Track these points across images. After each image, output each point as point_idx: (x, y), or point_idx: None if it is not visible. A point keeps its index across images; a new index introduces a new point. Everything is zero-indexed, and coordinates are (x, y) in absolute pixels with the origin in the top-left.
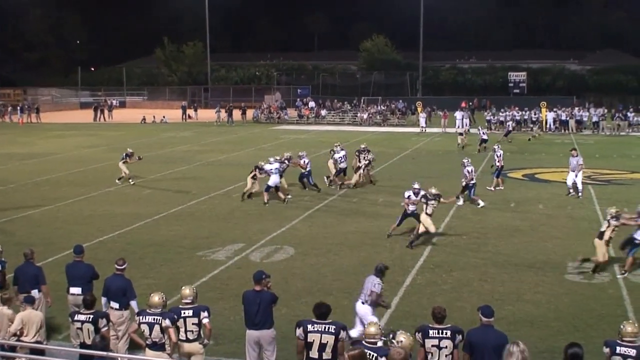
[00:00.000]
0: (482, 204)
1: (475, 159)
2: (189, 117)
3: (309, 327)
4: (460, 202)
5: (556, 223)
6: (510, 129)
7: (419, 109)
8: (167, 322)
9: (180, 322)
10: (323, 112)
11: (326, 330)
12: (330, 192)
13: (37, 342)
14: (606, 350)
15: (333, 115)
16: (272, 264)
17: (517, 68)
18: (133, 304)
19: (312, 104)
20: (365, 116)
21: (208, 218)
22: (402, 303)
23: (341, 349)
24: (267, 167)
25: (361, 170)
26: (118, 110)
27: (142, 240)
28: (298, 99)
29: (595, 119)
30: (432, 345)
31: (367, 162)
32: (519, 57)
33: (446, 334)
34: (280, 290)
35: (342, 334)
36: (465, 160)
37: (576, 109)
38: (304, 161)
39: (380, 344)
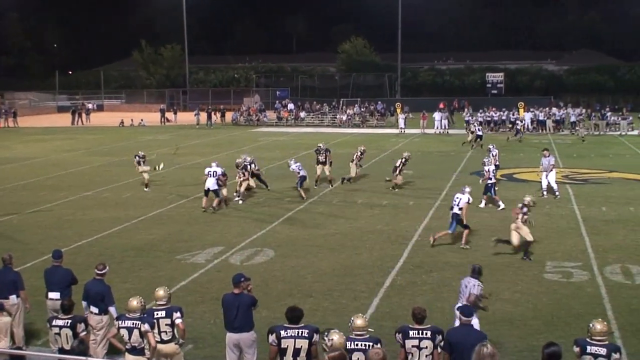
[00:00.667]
0: (502, 205)
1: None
2: (168, 120)
3: (282, 332)
4: (482, 204)
5: (534, 222)
6: (480, 133)
7: (398, 110)
8: (146, 327)
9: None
10: (302, 114)
11: (299, 335)
12: (310, 194)
13: (17, 348)
14: (576, 349)
15: (312, 117)
16: (252, 266)
17: (494, 69)
18: (112, 309)
19: (291, 106)
20: (344, 118)
21: (187, 221)
22: (382, 304)
23: (314, 353)
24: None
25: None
26: (96, 113)
27: (121, 245)
28: (277, 101)
29: (573, 119)
30: (413, 346)
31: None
32: (496, 58)
33: (426, 334)
34: (261, 293)
35: (316, 337)
36: (486, 160)
37: (554, 109)
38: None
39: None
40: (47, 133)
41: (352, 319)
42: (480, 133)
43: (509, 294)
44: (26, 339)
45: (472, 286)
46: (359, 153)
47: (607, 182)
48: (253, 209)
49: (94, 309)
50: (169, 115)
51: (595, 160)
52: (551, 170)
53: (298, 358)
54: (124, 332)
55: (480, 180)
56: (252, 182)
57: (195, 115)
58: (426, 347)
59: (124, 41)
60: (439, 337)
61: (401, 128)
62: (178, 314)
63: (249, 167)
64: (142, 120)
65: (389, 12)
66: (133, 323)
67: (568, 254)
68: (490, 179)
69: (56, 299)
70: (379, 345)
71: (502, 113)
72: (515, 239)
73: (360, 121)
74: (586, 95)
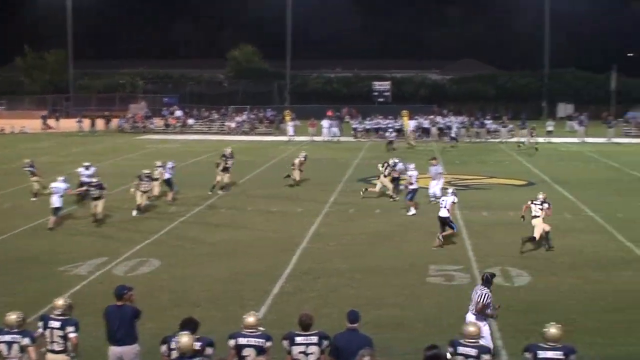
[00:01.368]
0: (412, 211)
1: (343, 168)
2: (49, 127)
3: (172, 344)
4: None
5: (420, 228)
6: (393, 138)
7: (287, 118)
8: (26, 341)
9: (48, 332)
10: (190, 121)
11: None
12: (197, 203)
13: None
14: (450, 349)
15: (201, 124)
16: (137, 277)
17: (381, 77)
18: None
19: (178, 112)
20: (233, 125)
21: (70, 232)
22: (270, 312)
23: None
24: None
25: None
26: None
27: (0, 257)
28: (164, 108)
29: (455, 127)
30: (299, 352)
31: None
32: (383, 66)
33: (312, 340)
34: (146, 304)
35: (209, 350)
36: (406, 165)
37: (439, 117)
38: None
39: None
40: None
41: (244, 316)
42: (454, 135)
43: (394, 298)
44: None
45: (481, 294)
46: (302, 159)
47: (488, 187)
48: (139, 218)
49: None
50: (51, 122)
51: (476, 167)
52: (440, 178)
53: None
54: (2, 346)
55: (403, 187)
56: (156, 190)
57: (77, 122)
58: (313, 353)
59: (6, 46)
60: (325, 342)
61: (290, 135)
62: (72, 328)
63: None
64: (23, 127)
65: (279, 19)
66: (12, 337)
67: (450, 258)
68: (412, 184)
69: None
70: (269, 343)
71: (388, 121)
72: (537, 232)
73: (249, 128)
74: (469, 104)
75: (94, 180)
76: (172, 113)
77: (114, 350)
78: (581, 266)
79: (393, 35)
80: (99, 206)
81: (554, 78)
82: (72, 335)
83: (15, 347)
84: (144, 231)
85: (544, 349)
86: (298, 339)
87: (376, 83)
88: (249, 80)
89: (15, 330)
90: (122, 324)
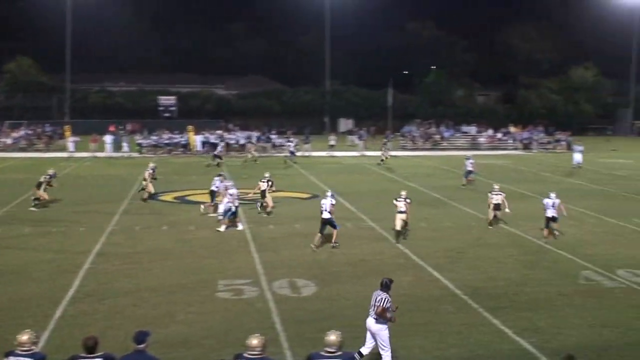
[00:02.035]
0: (240, 227)
1: (126, 184)
2: None
3: None
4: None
5: (207, 243)
6: (221, 149)
7: (67, 133)
8: None
9: None
10: None
11: None
12: None
13: None
14: None
15: None
16: None
17: (167, 92)
18: None
19: None
20: (9, 141)
21: None
22: (53, 337)
23: None
24: None
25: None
26: None
27: None
28: None
29: (242, 141)
30: None
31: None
32: (169, 81)
33: None
34: None
35: None
36: (227, 183)
37: (225, 132)
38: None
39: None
40: None
41: (18, 335)
42: (292, 149)
43: (182, 315)
44: None
45: (380, 299)
46: (151, 171)
47: (275, 201)
48: None
49: None
50: None
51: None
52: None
53: None
54: None
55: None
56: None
57: None
58: None
59: None
60: None
61: (70, 151)
62: None
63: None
64: None
65: (57, 31)
66: None
67: (239, 272)
68: (230, 202)
69: None
70: None
71: (173, 136)
72: (399, 225)
73: (27, 145)
74: (255, 119)
75: None
76: None
77: None
78: (364, 274)
79: (178, 49)
80: None
81: (335, 95)
82: None
83: None
84: None
85: (324, 357)
86: None
87: (162, 98)
88: (26, 94)
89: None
90: None
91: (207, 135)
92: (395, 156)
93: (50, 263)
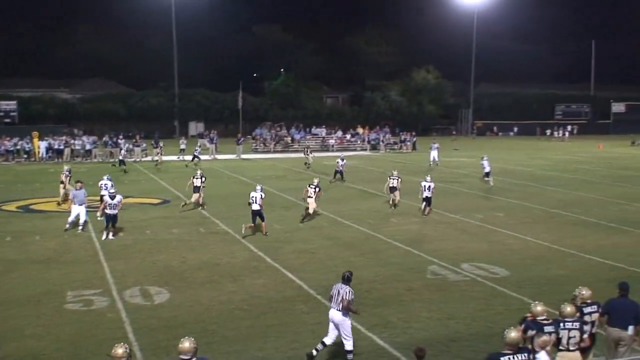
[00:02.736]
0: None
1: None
2: None
3: None
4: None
5: (54, 254)
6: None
7: None
8: None
9: None
10: None
11: None
12: None
13: None
14: None
15: None
16: None
17: (7, 97)
18: None
19: None
20: None
21: None
22: None
23: None
24: None
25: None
26: None
27: None
28: None
29: (88, 146)
30: None
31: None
32: (8, 85)
33: None
34: None
35: None
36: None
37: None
38: None
39: None
40: None
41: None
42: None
43: (31, 329)
44: None
45: (344, 292)
46: (67, 172)
47: (125, 208)
48: None
49: None
50: None
51: (126, 187)
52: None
53: None
54: None
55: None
56: None
57: None
58: None
59: None
60: None
61: None
62: None
63: None
64: None
65: None
66: None
67: (88, 282)
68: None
69: None
70: None
71: (17, 142)
72: (311, 208)
73: None
74: (100, 123)
75: None
76: None
77: None
78: (217, 279)
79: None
80: None
81: (185, 98)
82: None
83: None
84: None
85: None
86: None
87: (1, 103)
88: None
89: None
90: None
91: (51, 141)
92: (246, 159)
93: None
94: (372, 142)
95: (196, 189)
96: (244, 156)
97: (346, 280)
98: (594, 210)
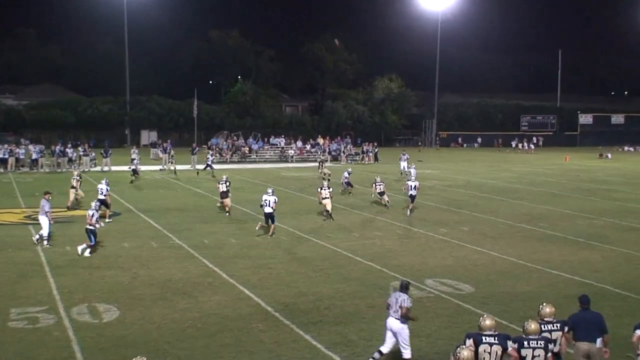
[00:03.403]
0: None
1: None
2: None
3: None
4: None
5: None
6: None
7: None
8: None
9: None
10: None
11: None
12: None
13: None
14: None
15: None
16: None
17: None
18: None
19: None
20: None
21: None
22: None
23: None
24: None
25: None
26: None
27: None
28: None
29: (35, 155)
30: None
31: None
32: None
33: None
34: None
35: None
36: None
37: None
38: None
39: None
40: None
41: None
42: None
43: None
44: None
45: (402, 300)
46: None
47: (70, 220)
48: None
49: None
50: None
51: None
52: (47, 213)
53: None
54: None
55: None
56: None
57: None
58: None
59: None
60: None
61: None
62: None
63: None
64: None
65: None
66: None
67: (33, 299)
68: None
69: None
70: None
71: None
72: (329, 207)
73: None
74: (48, 131)
75: None
76: None
77: None
78: (170, 295)
79: None
80: None
81: (137, 105)
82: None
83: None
84: None
85: None
86: None
87: None
88: None
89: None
90: None
91: None
92: (201, 169)
93: None
94: (333, 153)
95: (224, 194)
96: (199, 167)
97: (404, 288)
98: (561, 225)
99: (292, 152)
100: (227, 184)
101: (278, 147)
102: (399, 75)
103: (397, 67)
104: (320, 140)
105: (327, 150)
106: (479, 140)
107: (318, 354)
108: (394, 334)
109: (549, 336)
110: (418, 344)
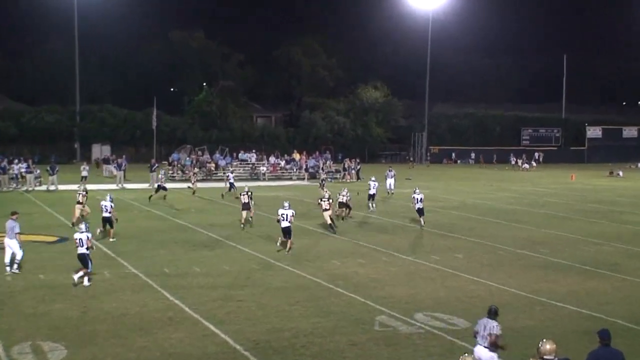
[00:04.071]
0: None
1: None
2: None
3: None
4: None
5: None
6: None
7: None
8: None
9: None
10: None
11: None
12: None
13: None
14: None
15: None
16: None
17: None
18: None
19: None
20: None
21: None
22: None
23: None
24: None
25: None
26: None
27: None
28: None
29: None
30: None
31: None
32: None
33: None
34: None
35: None
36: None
37: None
38: None
39: None
40: None
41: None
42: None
43: None
44: None
45: (491, 327)
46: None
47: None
48: None
49: None
50: None
51: None
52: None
53: None
54: None
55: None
56: None
57: None
58: None
59: None
60: None
61: None
62: None
63: None
64: None
65: None
66: None
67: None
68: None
69: None
70: None
71: None
72: (327, 219)
73: None
74: None
75: None
76: None
77: None
78: (125, 332)
79: None
80: None
81: (88, 115)
82: None
83: None
84: None
85: None
86: None
87: None
88: None
89: None
90: None
91: None
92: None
93: None
94: (311, 170)
95: (245, 206)
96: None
97: (493, 314)
98: (566, 251)
99: (264, 169)
100: (250, 194)
101: (248, 164)
102: (384, 83)
103: (382, 74)
104: (296, 156)
105: (305, 167)
106: (473, 155)
107: None
108: None
109: None
110: None
